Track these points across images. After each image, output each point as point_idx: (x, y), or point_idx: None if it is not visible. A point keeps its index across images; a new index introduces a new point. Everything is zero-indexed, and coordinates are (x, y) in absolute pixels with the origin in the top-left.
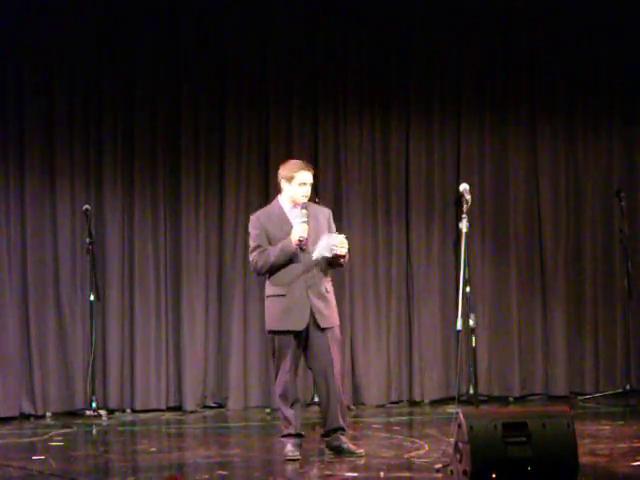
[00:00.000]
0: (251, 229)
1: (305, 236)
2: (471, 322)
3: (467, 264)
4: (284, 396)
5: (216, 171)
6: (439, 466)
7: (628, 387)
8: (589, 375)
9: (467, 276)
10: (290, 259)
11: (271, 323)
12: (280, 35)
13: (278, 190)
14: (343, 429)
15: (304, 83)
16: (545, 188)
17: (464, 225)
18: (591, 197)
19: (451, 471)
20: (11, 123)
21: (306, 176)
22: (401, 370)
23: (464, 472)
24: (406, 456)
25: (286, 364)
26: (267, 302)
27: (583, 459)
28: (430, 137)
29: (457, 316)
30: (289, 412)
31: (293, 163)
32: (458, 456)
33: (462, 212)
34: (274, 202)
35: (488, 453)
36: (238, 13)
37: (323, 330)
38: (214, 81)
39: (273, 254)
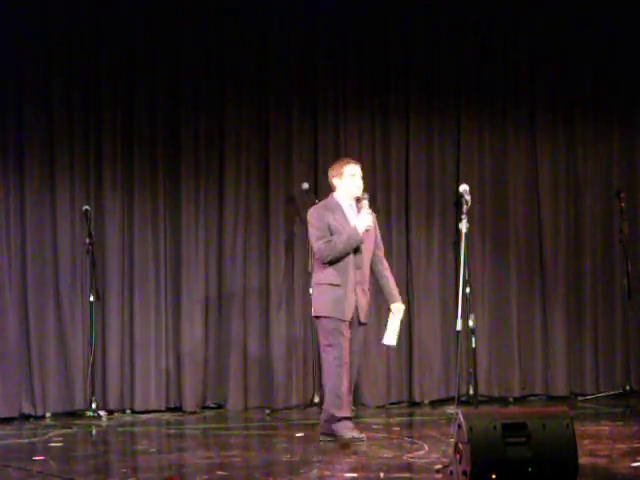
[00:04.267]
0: (313, 220)
1: (371, 225)
2: (471, 322)
3: (467, 264)
4: (341, 377)
5: (216, 171)
6: (439, 467)
7: (628, 388)
8: (589, 375)
9: (467, 277)
10: (347, 253)
11: (327, 309)
12: (280, 35)
13: (331, 190)
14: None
15: (304, 83)
16: (545, 188)
17: (464, 226)
18: (591, 197)
19: (451, 472)
20: (11, 123)
21: (354, 168)
22: (401, 371)
23: (464, 473)
24: (406, 457)
25: (342, 349)
26: (319, 289)
27: (583, 460)
28: (430, 137)
29: (457, 316)
30: (345, 394)
31: (341, 160)
32: (458, 457)
33: (462, 213)
34: (329, 198)
35: (488, 454)
36: (238, 13)
37: (361, 325)
38: (214, 81)
39: (341, 243)
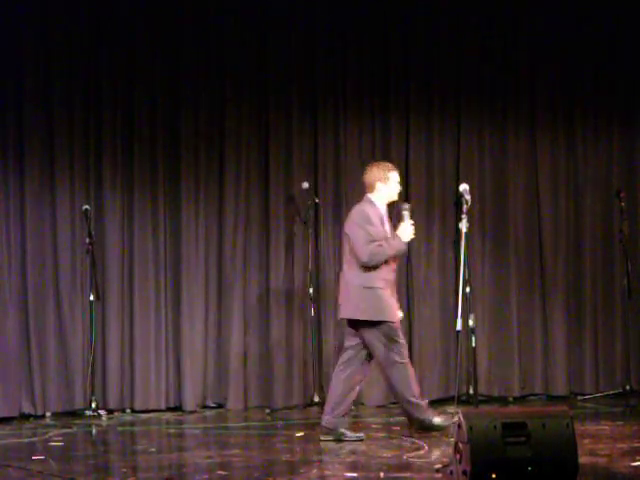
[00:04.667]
0: (363, 223)
1: (413, 237)
2: (471, 322)
3: (467, 264)
4: (411, 374)
5: (216, 171)
6: (439, 466)
7: (628, 387)
8: (589, 375)
9: (467, 276)
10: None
11: (384, 314)
12: (280, 35)
13: (366, 190)
14: None
15: (304, 83)
16: (545, 188)
17: (464, 225)
18: (591, 197)
19: (451, 471)
20: (11, 123)
21: (397, 175)
22: None
23: (464, 472)
24: (406, 456)
25: (403, 348)
26: (365, 292)
27: (583, 459)
28: (430, 137)
29: (457, 316)
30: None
31: (385, 165)
32: (458, 456)
33: (462, 212)
34: (366, 201)
35: (488, 453)
36: (238, 13)
37: None
38: (214, 81)
39: (391, 249)
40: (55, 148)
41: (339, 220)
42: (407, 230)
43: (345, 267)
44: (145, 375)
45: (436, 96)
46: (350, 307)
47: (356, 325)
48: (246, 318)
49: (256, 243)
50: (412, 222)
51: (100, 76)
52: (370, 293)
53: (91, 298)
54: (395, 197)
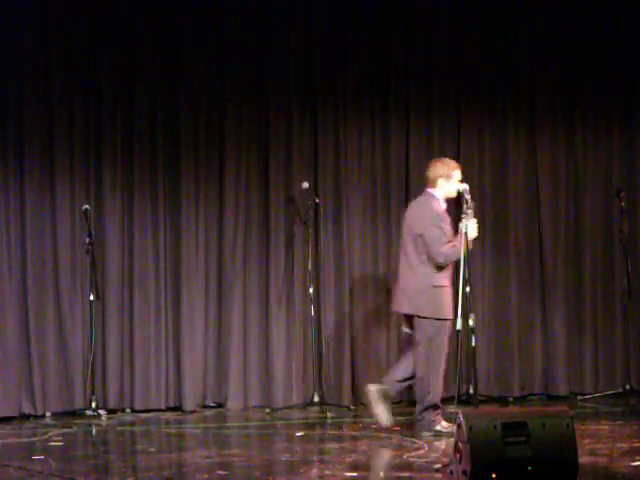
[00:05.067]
0: (438, 222)
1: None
2: (471, 322)
3: (467, 264)
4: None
5: (216, 171)
6: (439, 466)
7: (628, 387)
8: (589, 375)
9: (467, 276)
10: None
11: (444, 311)
12: (280, 35)
13: (428, 185)
14: None
15: (304, 83)
16: (545, 188)
17: (464, 225)
18: (591, 197)
19: (451, 471)
20: (11, 123)
21: (460, 174)
22: None
23: (464, 472)
24: (406, 456)
25: (446, 348)
26: (435, 291)
27: (583, 459)
28: (430, 137)
29: (457, 316)
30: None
31: (449, 162)
32: (458, 456)
33: (462, 212)
34: (430, 198)
35: (488, 453)
36: (238, 12)
37: None
38: (214, 81)
39: (460, 249)
40: (55, 148)
41: (339, 220)
42: (474, 228)
43: (413, 262)
44: (145, 375)
45: (436, 96)
46: (415, 304)
47: (411, 318)
48: (246, 318)
49: (256, 243)
50: (475, 220)
51: (100, 76)
52: (438, 292)
53: (91, 298)
54: (454, 194)
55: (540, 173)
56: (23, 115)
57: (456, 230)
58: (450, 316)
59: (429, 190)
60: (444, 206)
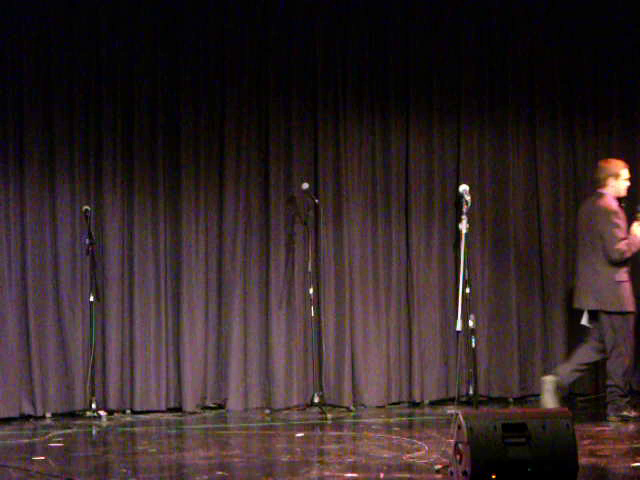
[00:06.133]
0: (617, 220)
1: None
2: (471, 323)
3: (467, 265)
4: (628, 371)
5: (216, 171)
6: (439, 467)
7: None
8: (589, 375)
9: (467, 277)
10: None
11: (628, 305)
12: (280, 35)
13: (597, 186)
14: None
15: (304, 83)
16: (545, 188)
17: (464, 226)
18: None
19: (451, 472)
20: (11, 123)
21: (628, 172)
22: (401, 371)
23: (464, 473)
24: (406, 457)
25: (632, 340)
26: (618, 286)
27: (583, 460)
28: (430, 137)
29: (457, 317)
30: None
31: (616, 162)
32: (458, 457)
33: (462, 213)
34: (604, 197)
35: (488, 454)
36: (238, 12)
37: None
38: (214, 81)
39: (634, 247)
40: (55, 148)
41: (339, 220)
42: None
43: (593, 260)
44: (145, 376)
45: (436, 96)
46: (600, 300)
47: (595, 313)
48: (246, 318)
49: (256, 243)
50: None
51: (100, 76)
52: (621, 287)
53: (91, 298)
54: (623, 193)
55: (540, 173)
56: (23, 115)
57: (456, 231)
58: (632, 309)
59: (600, 190)
60: (615, 204)
